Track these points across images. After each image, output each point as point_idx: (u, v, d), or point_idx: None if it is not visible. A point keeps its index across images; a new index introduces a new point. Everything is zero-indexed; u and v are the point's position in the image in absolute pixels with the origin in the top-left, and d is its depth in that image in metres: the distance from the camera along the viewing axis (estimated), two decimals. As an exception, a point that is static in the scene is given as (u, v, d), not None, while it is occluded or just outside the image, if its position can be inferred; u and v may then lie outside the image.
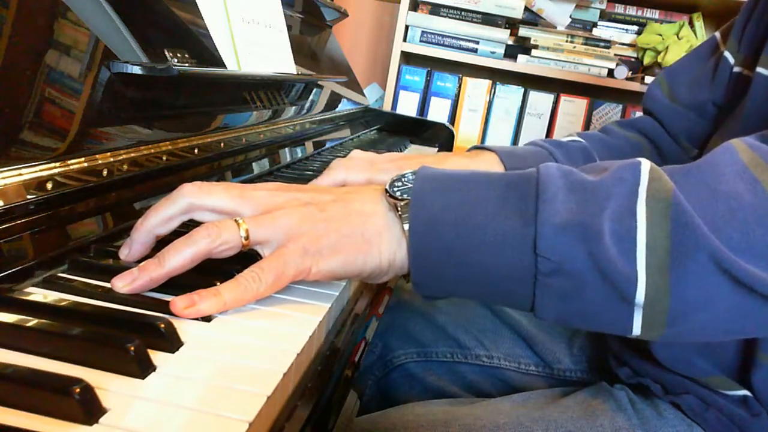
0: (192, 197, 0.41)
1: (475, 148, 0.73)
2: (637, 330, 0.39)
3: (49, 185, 0.40)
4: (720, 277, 0.36)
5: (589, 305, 0.38)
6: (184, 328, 0.34)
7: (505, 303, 0.41)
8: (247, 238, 0.39)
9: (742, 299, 0.37)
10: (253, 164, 0.73)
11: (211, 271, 0.40)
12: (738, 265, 0.36)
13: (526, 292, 0.39)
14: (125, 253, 0.42)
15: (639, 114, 0.85)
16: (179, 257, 0.38)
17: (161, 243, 0.40)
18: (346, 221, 0.41)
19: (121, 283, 0.37)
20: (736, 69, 0.71)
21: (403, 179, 0.43)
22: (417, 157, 0.68)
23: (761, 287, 0.36)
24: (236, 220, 0.39)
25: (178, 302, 0.36)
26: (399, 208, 0.41)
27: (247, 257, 0.41)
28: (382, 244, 0.41)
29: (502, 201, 0.39)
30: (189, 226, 0.41)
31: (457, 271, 0.40)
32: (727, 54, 0.72)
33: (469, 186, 0.41)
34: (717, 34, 0.77)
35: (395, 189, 0.42)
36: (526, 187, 0.40)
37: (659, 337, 0.39)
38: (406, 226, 0.40)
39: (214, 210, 0.42)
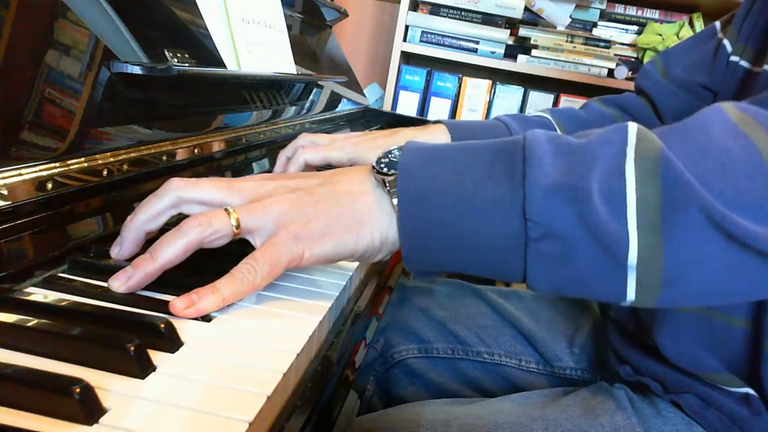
0: (180, 191, 0.41)
1: (435, 122, 0.76)
2: (631, 295, 0.38)
3: (49, 185, 0.40)
4: (712, 232, 0.36)
5: (582, 270, 0.38)
6: (184, 328, 0.34)
7: (497, 274, 0.40)
8: (238, 226, 0.39)
9: (736, 255, 0.36)
10: (253, 164, 0.73)
11: (210, 270, 0.40)
12: (730, 218, 0.36)
13: (517, 260, 0.38)
14: (116, 252, 0.41)
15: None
16: (171, 249, 0.38)
17: (152, 242, 0.40)
18: (335, 203, 0.41)
19: (118, 283, 0.37)
20: (733, 58, 0.71)
21: (389, 155, 0.42)
22: (369, 134, 0.71)
23: (753, 241, 0.36)
24: (227, 209, 0.39)
25: (177, 303, 0.36)
26: (387, 183, 0.41)
27: (245, 256, 0.41)
28: (373, 222, 0.41)
29: (489, 168, 0.39)
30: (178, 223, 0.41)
31: (447, 242, 0.39)
32: (725, 42, 0.73)
33: (457, 155, 0.41)
34: (717, 23, 0.78)
35: (382, 165, 0.42)
36: (513, 152, 0.39)
37: (655, 302, 0.38)
38: (395, 201, 0.40)
39: (202, 202, 0.41)
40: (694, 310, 0.56)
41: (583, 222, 0.36)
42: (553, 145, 0.39)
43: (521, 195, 0.37)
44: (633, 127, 0.39)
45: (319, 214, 0.40)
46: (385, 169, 0.41)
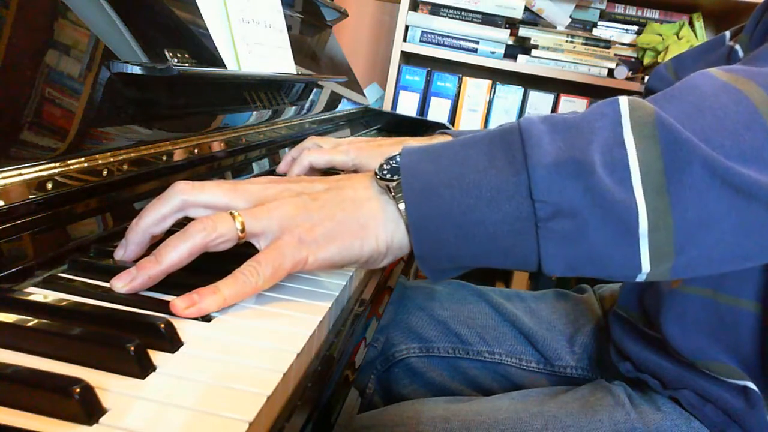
0: (185, 194, 0.41)
1: (440, 132, 0.75)
2: (646, 265, 0.38)
3: (49, 185, 0.40)
4: (718, 187, 0.36)
5: (595, 245, 0.37)
6: (184, 328, 0.34)
7: (511, 262, 0.40)
8: (243, 230, 0.39)
9: (744, 209, 0.36)
10: (253, 164, 0.73)
11: (210, 271, 0.40)
12: (733, 170, 0.36)
13: (529, 245, 0.38)
14: (120, 254, 0.41)
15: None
16: (176, 253, 0.38)
17: (155, 243, 0.40)
18: (340, 208, 0.41)
19: (120, 284, 0.37)
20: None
21: (390, 162, 0.43)
22: (374, 140, 0.71)
23: (758, 190, 0.36)
24: (231, 213, 0.39)
25: (178, 303, 0.36)
26: (392, 189, 0.41)
27: (245, 257, 0.41)
28: (378, 228, 0.41)
29: (490, 156, 0.39)
30: (183, 225, 0.41)
31: (458, 234, 0.39)
32: (737, 48, 0.73)
33: (456, 150, 0.41)
34: (727, 33, 0.79)
35: (385, 171, 0.42)
36: (510, 138, 0.39)
37: (670, 271, 0.38)
38: (402, 206, 0.40)
39: (207, 206, 0.41)
40: (701, 292, 0.56)
41: (591, 195, 0.36)
42: (548, 125, 0.39)
43: (525, 177, 0.37)
44: (623, 99, 0.39)
45: (324, 219, 0.40)
46: (388, 175, 0.42)
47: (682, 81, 0.41)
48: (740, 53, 0.73)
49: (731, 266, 0.39)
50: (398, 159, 0.42)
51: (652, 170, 0.36)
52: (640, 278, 0.39)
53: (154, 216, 0.41)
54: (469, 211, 0.38)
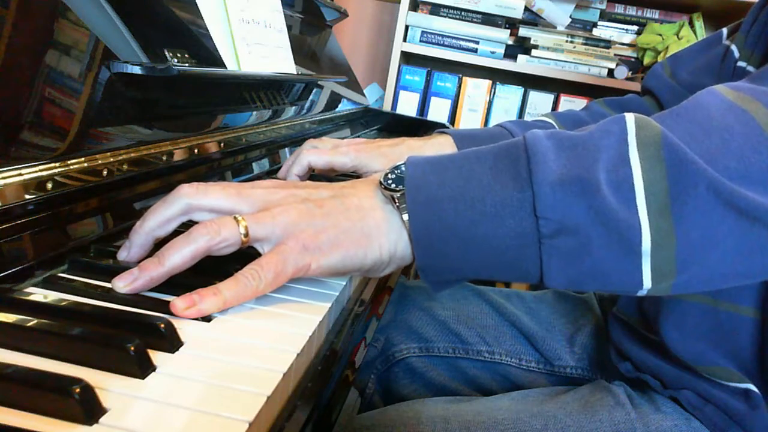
0: (189, 198, 0.41)
1: (438, 131, 0.75)
2: (647, 282, 0.38)
3: (49, 185, 0.40)
4: (722, 209, 0.36)
5: (597, 262, 0.38)
6: (184, 328, 0.34)
7: (513, 276, 0.41)
8: (246, 235, 0.39)
9: (747, 231, 0.37)
10: (253, 164, 0.73)
11: (211, 271, 0.40)
12: (738, 192, 0.36)
13: (532, 260, 0.38)
14: (123, 256, 0.42)
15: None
16: (179, 255, 0.38)
17: (159, 244, 0.40)
18: (345, 216, 0.41)
19: (122, 283, 0.37)
20: (741, 63, 0.72)
21: (396, 171, 0.43)
22: (373, 141, 0.71)
23: (763, 214, 0.36)
24: (235, 218, 0.39)
25: (178, 303, 0.36)
26: (396, 199, 0.41)
27: (247, 257, 0.41)
28: (382, 237, 0.41)
29: (494, 171, 0.39)
30: (187, 227, 0.41)
31: (461, 248, 0.39)
32: (733, 48, 0.73)
33: (461, 163, 0.41)
34: (724, 29, 0.79)
35: (389, 181, 0.42)
36: (515, 153, 0.40)
37: (671, 288, 0.39)
38: (405, 217, 0.40)
39: (212, 210, 0.41)
40: (701, 299, 0.56)
41: (595, 213, 0.37)
42: (554, 141, 0.39)
43: (530, 194, 0.37)
44: (630, 117, 0.39)
45: (328, 227, 0.40)
46: (393, 185, 0.42)
47: (689, 99, 0.41)
48: (736, 53, 0.73)
49: (732, 283, 0.40)
50: (403, 169, 0.42)
51: (657, 191, 0.36)
52: (641, 293, 0.39)
53: (158, 219, 0.41)
54: (473, 225, 0.39)
